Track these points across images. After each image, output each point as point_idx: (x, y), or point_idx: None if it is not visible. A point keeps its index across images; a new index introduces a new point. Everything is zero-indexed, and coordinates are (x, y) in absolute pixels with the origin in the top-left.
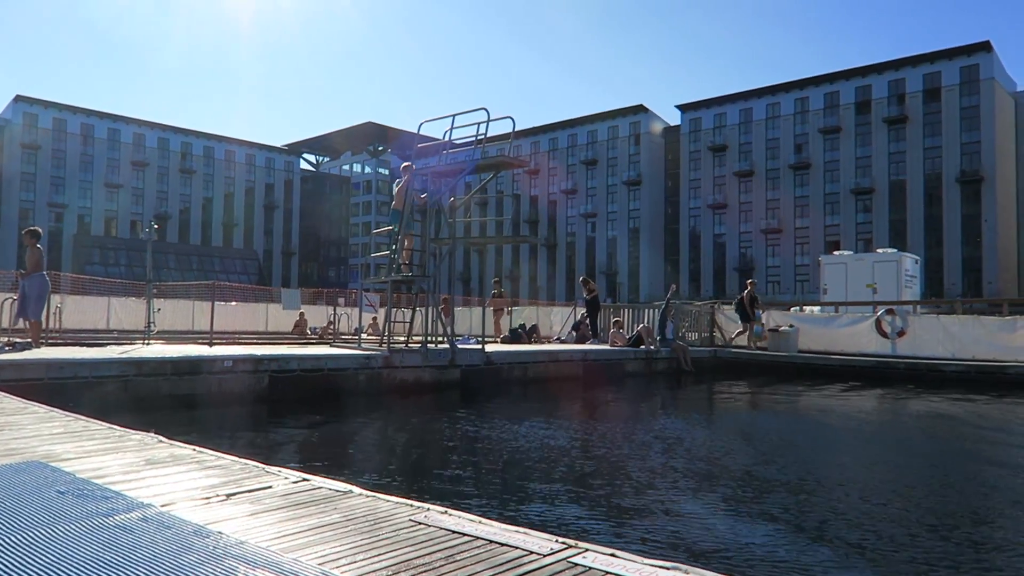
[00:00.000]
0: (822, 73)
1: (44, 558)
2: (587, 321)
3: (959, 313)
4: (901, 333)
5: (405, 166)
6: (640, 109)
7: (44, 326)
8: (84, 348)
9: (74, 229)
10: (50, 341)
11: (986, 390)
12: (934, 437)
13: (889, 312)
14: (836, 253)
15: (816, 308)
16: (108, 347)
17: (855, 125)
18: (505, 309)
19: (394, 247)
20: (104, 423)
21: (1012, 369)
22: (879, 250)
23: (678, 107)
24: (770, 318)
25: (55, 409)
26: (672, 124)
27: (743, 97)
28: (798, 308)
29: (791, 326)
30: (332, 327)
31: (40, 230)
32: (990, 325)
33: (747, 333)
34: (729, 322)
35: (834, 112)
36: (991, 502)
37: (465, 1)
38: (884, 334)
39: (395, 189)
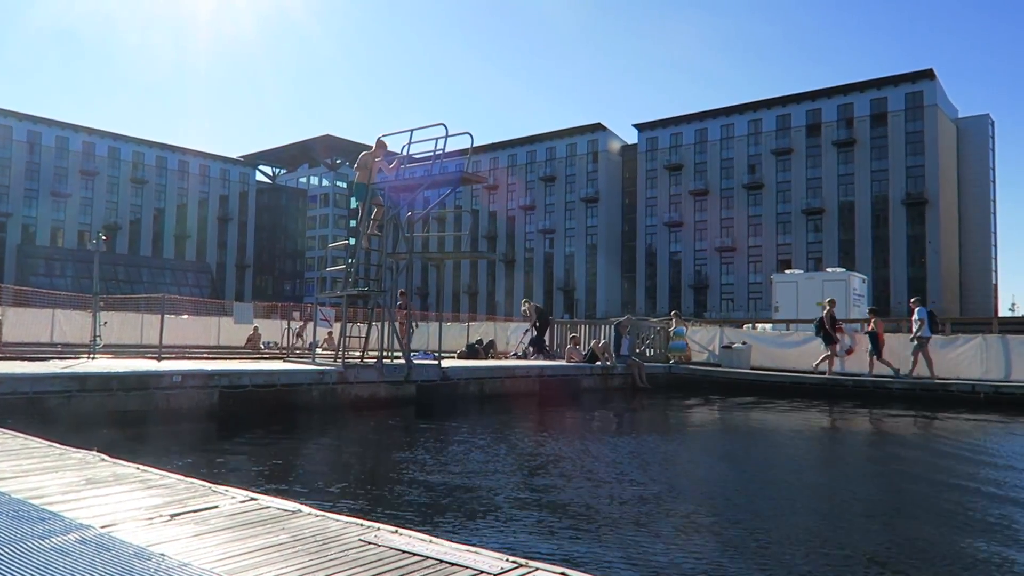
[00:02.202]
0: (774, 96)
1: None
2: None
3: (904, 331)
4: (849, 351)
5: (378, 140)
6: (598, 127)
7: None
8: (25, 362)
9: (18, 239)
10: None
11: (930, 407)
12: (875, 454)
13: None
14: (787, 272)
15: (768, 325)
16: (51, 361)
17: (806, 147)
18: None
19: (351, 260)
20: (44, 441)
21: (954, 386)
22: (829, 269)
23: (635, 126)
24: (724, 335)
25: None
26: (629, 143)
27: (698, 118)
28: (751, 325)
29: (744, 343)
30: (298, 339)
31: None
32: (934, 343)
33: (831, 358)
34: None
35: (786, 134)
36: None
37: (425, 16)
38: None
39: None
